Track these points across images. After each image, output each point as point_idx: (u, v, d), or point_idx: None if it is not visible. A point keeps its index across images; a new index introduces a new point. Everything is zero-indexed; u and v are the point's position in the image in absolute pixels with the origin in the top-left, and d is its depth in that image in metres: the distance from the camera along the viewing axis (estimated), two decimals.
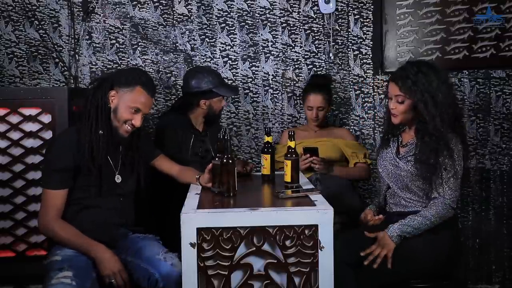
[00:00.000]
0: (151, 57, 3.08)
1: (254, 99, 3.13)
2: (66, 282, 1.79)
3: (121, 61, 3.06)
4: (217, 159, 1.99)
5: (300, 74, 3.13)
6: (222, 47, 3.10)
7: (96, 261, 1.92)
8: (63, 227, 1.98)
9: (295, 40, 3.11)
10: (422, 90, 2.00)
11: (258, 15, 3.09)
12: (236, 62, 3.11)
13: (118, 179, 2.11)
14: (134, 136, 2.14)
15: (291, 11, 3.09)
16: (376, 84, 3.12)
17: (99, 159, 2.01)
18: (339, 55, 3.13)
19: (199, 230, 1.68)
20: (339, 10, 3.09)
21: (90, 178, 2.02)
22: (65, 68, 3.02)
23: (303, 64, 3.12)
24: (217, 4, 3.07)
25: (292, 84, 3.13)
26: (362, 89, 3.14)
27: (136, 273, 1.95)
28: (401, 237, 1.98)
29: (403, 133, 2.19)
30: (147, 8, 3.06)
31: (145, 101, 2.05)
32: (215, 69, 3.05)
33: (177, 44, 3.09)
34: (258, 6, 3.08)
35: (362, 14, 3.10)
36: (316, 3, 3.07)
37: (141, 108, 2.04)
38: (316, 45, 3.11)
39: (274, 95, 3.13)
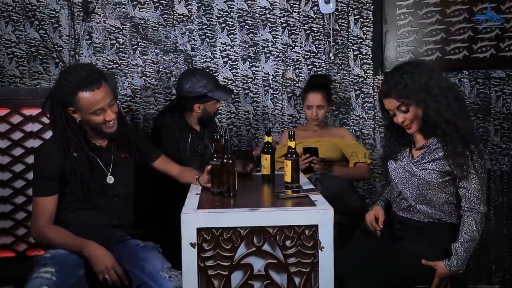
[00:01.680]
0: (151, 57, 3.08)
1: (254, 99, 3.13)
2: (46, 276, 1.78)
3: (121, 61, 3.06)
4: (215, 159, 1.99)
5: (300, 74, 3.13)
6: (222, 47, 3.10)
7: (89, 259, 1.90)
8: (55, 230, 1.97)
9: (295, 40, 3.11)
10: (414, 89, 1.91)
11: (258, 15, 3.09)
12: (236, 62, 3.11)
13: (110, 180, 2.07)
14: (124, 133, 2.11)
15: (291, 11, 3.09)
16: (376, 84, 3.12)
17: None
18: (339, 55, 3.13)
19: (199, 230, 1.68)
20: (339, 10, 3.10)
21: (80, 182, 1.98)
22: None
23: (303, 64, 3.12)
24: (217, 4, 3.07)
25: (292, 84, 3.13)
26: (362, 89, 3.14)
27: (137, 283, 1.90)
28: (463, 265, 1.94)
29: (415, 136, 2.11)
30: (147, 8, 3.06)
31: (98, 97, 1.89)
32: (215, 69, 3.05)
33: (177, 44, 3.09)
34: (258, 6, 3.08)
35: (362, 14, 3.10)
36: (316, 3, 3.07)
37: (102, 105, 1.90)
38: (316, 45, 3.11)
39: (274, 95, 3.13)
